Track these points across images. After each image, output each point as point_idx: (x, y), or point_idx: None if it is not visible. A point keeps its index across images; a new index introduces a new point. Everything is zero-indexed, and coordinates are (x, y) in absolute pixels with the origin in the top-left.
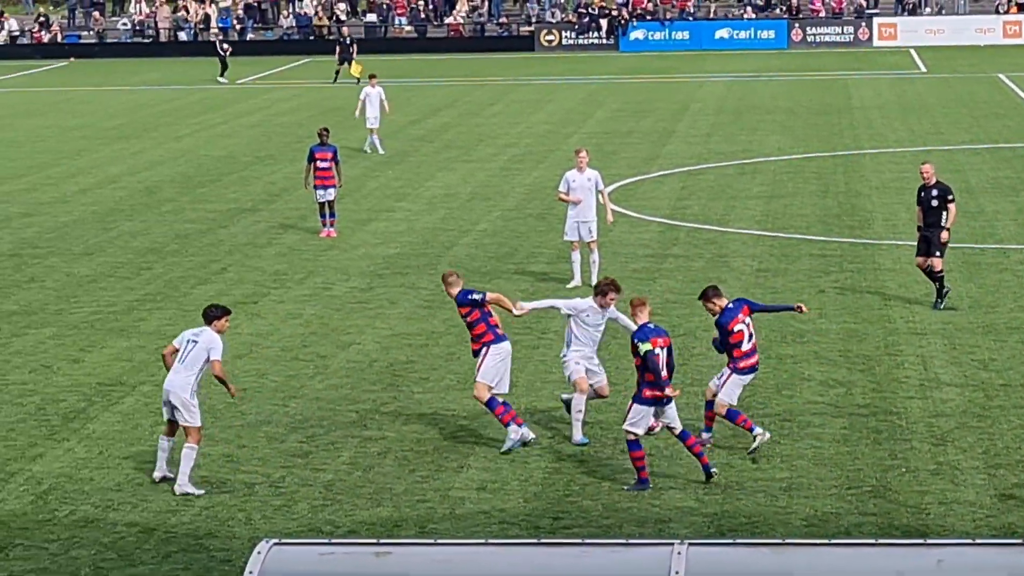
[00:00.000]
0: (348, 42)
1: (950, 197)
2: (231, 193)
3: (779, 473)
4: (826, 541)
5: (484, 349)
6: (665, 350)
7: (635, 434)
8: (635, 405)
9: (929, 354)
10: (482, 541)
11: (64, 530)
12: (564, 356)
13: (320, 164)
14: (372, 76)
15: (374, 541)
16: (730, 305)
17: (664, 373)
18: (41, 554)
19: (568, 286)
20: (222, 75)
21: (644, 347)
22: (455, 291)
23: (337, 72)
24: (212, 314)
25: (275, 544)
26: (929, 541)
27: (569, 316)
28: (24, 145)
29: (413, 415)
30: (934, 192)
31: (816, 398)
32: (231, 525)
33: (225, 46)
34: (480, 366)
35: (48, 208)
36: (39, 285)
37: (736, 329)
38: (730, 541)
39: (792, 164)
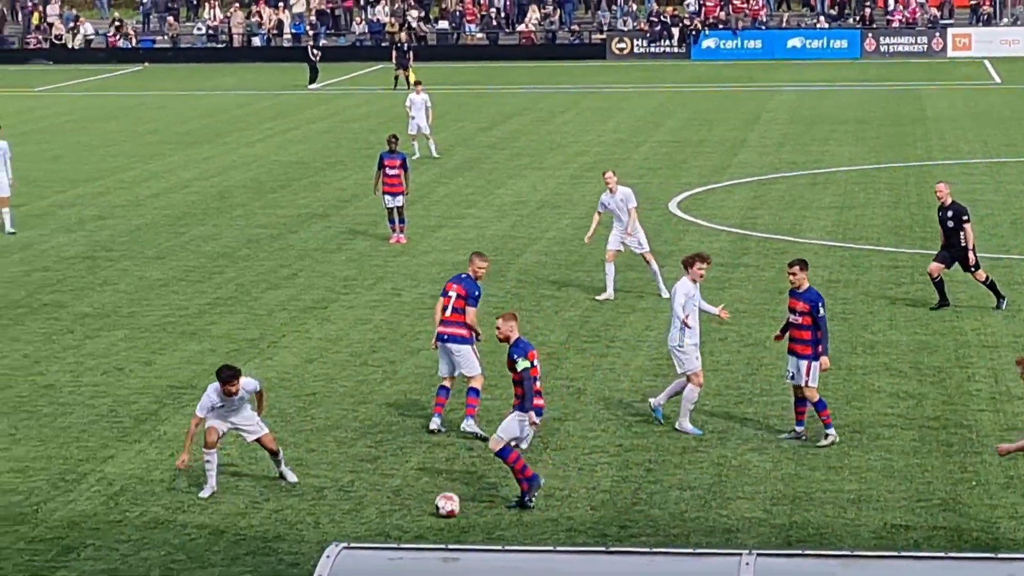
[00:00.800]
0: (405, 48)
1: (964, 218)
2: (302, 199)
3: (848, 485)
4: (895, 554)
5: None
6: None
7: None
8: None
9: (1001, 367)
10: (549, 548)
11: (135, 531)
12: (681, 345)
13: (389, 171)
14: (418, 83)
15: (442, 547)
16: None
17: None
18: (112, 555)
19: (598, 297)
20: (312, 82)
21: (522, 364)
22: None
23: (396, 78)
24: (220, 376)
25: (344, 548)
26: (1000, 555)
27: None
28: (98, 149)
29: (481, 421)
30: (949, 213)
31: (886, 410)
32: (300, 529)
33: (316, 52)
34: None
35: (121, 211)
36: (112, 288)
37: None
38: (798, 552)
39: (864, 175)
